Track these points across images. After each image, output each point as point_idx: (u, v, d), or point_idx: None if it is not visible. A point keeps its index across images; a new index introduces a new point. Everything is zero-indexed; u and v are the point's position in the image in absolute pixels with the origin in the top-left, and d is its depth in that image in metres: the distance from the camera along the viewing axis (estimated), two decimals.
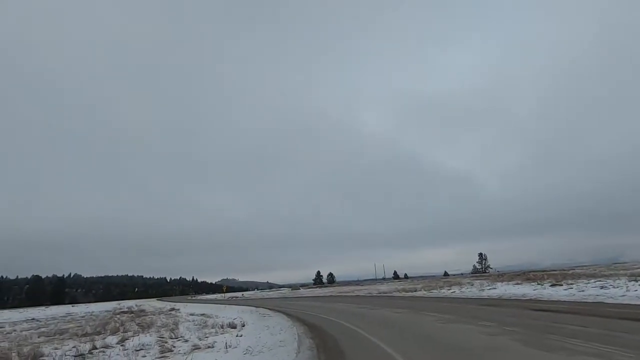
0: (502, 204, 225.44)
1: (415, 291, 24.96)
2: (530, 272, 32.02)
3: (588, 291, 13.22)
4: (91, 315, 36.34)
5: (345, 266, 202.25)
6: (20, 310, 61.33)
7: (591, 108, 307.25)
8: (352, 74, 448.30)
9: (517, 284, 19.20)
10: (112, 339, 12.83)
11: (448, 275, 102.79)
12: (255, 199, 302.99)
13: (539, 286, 16.83)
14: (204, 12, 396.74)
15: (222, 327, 13.41)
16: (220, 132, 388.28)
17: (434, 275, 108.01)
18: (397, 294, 25.20)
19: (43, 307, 70.20)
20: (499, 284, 20.63)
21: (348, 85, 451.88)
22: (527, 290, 15.98)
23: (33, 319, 34.94)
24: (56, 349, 11.72)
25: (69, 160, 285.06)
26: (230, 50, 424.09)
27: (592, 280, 16.12)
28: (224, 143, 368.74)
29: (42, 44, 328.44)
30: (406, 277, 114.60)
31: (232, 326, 13.30)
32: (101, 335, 15.40)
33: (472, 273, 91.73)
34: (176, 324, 17.22)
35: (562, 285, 16.17)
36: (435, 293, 21.41)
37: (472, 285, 23.08)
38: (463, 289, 21.12)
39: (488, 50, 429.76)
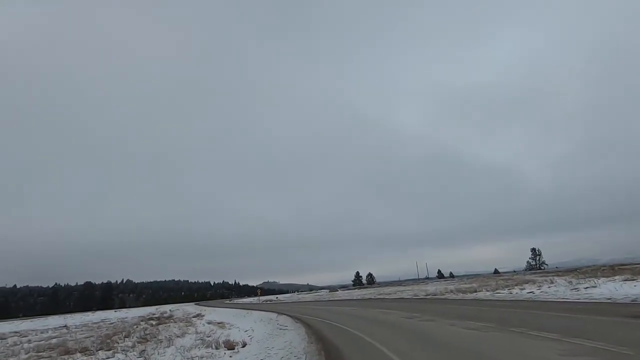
0: (551, 195, 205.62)
1: (474, 292, 19.94)
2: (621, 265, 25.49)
3: None
4: (122, 321, 35.39)
5: (385, 266, 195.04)
6: (66, 315, 63.28)
7: None
8: (388, 70, 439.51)
9: (629, 279, 13.79)
10: None
11: (499, 272, 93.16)
12: (295, 202, 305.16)
13: None
14: (240, 25, 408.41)
15: (217, 347, 9.90)
16: (260, 139, 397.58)
17: (480, 274, 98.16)
18: (451, 295, 20.35)
19: (90, 313, 72.54)
20: (595, 280, 15.25)
21: (384, 83, 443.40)
22: None
23: (65, 326, 34.34)
24: None
25: (124, 175, 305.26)
26: (267, 56, 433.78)
27: None
28: (264, 149, 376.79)
29: (107, 75, 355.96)
30: (452, 276, 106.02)
31: (230, 346, 9.72)
32: (85, 352, 12.80)
33: (525, 270, 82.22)
34: (177, 337, 14.12)
35: None
36: (504, 294, 16.44)
37: (553, 283, 17.74)
38: (543, 289, 15.96)
39: (530, 37, 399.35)
